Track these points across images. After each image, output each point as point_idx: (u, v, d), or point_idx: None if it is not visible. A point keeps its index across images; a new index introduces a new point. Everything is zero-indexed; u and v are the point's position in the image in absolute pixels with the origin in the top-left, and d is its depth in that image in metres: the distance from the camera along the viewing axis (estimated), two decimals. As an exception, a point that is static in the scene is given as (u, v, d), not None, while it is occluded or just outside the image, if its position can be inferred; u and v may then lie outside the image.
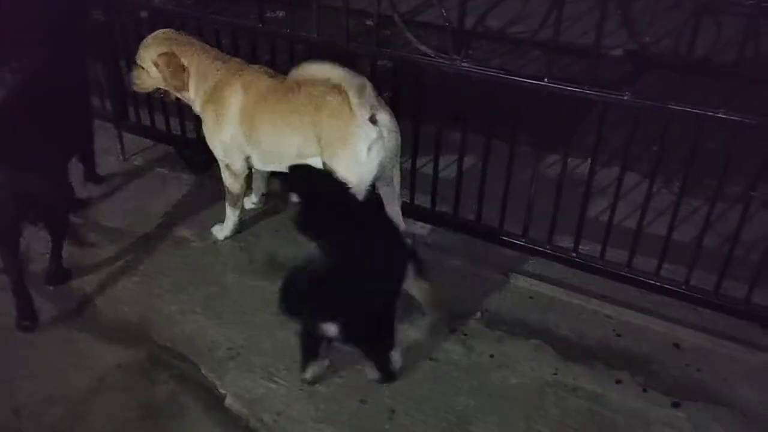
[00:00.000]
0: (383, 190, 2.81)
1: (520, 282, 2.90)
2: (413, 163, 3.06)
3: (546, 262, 2.94)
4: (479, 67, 2.64)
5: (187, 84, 2.89)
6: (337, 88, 2.57)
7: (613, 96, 2.49)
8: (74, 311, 2.74)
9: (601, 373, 2.49)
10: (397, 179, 2.81)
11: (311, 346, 2.36)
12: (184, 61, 2.84)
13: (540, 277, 2.91)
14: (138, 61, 2.93)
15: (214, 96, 2.82)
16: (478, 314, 2.75)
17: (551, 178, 2.96)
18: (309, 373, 2.41)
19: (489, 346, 2.61)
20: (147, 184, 3.51)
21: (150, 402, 2.37)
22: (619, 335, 2.66)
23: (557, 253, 2.88)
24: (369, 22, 3.44)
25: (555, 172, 2.93)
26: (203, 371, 2.48)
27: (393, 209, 2.86)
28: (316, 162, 2.67)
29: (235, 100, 2.77)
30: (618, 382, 2.46)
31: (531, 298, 2.83)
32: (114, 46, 3.57)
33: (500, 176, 2.87)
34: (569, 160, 2.77)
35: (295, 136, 2.70)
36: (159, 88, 3.02)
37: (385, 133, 2.56)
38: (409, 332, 2.64)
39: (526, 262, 2.99)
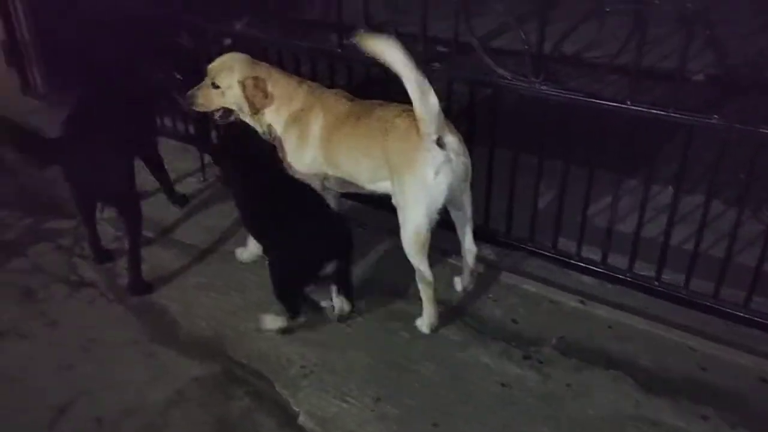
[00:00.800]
0: (454, 214, 2.79)
1: (598, 310, 2.81)
2: (488, 187, 3.04)
3: (626, 290, 2.84)
4: (559, 90, 2.61)
5: (265, 108, 2.95)
6: (406, 112, 2.59)
7: (700, 119, 2.40)
8: (155, 325, 2.83)
9: (686, 408, 2.37)
10: (468, 203, 2.77)
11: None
12: (269, 86, 2.93)
13: (620, 306, 2.81)
14: (212, 81, 2.97)
15: (298, 119, 2.89)
16: (554, 341, 2.68)
17: (631, 205, 2.88)
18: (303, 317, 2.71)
19: (565, 374, 2.53)
20: (225, 204, 3.62)
21: (225, 417, 2.40)
22: (704, 369, 2.52)
23: (638, 282, 2.78)
24: (441, 48, 3.49)
25: (635, 198, 2.85)
26: (277, 388, 2.51)
27: (464, 233, 2.83)
28: (388, 186, 2.69)
29: (316, 123, 2.83)
30: (704, 418, 2.33)
31: (610, 327, 2.73)
32: (199, 71, 3.72)
33: (577, 201, 2.81)
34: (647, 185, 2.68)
35: (367, 160, 2.73)
36: (224, 109, 3.03)
37: (452, 157, 2.52)
38: (481, 357, 2.60)
39: (604, 290, 2.89)
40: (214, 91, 2.98)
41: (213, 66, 3.00)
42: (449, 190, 2.56)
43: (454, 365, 2.58)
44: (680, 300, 2.71)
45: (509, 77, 2.70)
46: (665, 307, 2.77)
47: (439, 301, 2.74)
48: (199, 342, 2.73)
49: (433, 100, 2.41)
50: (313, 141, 2.85)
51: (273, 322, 2.73)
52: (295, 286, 2.68)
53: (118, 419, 2.39)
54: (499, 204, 3.05)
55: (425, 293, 2.69)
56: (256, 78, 2.89)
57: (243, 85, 2.89)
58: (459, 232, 2.83)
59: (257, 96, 2.89)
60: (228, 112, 3.04)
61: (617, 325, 2.74)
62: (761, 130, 2.30)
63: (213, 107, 3.04)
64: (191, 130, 3.98)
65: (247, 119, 3.01)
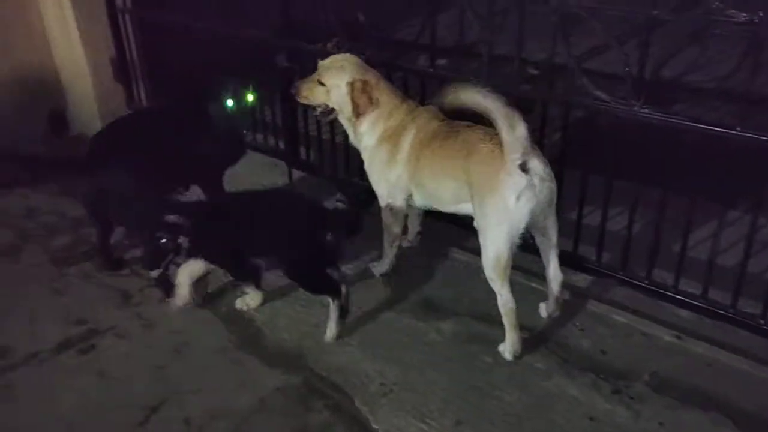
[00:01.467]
0: (539, 239, 2.72)
1: (696, 347, 2.65)
2: (579, 212, 2.95)
3: (727, 327, 2.67)
4: (661, 114, 2.50)
5: (366, 114, 2.94)
6: (490, 135, 2.56)
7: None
8: (241, 333, 2.90)
9: (795, 459, 2.19)
10: (553, 229, 2.69)
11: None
12: (377, 94, 2.94)
13: (720, 344, 2.64)
14: (320, 77, 2.98)
15: (392, 136, 2.91)
16: (646, 376, 2.54)
17: (735, 237, 2.71)
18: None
19: (658, 412, 2.39)
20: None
21: (305, 428, 2.42)
22: (815, 418, 2.33)
23: (742, 319, 2.61)
24: (532, 71, 3.44)
25: (738, 230, 2.68)
26: (356, 404, 2.51)
27: (549, 258, 2.75)
28: (470, 208, 2.66)
29: (407, 141, 2.85)
30: (816, 471, 2.14)
31: (708, 365, 2.57)
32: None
33: (675, 230, 2.68)
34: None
35: (450, 181, 2.72)
36: (326, 106, 3.05)
37: (536, 182, 2.46)
38: (567, 388, 2.51)
39: (703, 325, 2.73)
40: (320, 87, 3.00)
41: (323, 63, 3.01)
42: (531, 215, 2.50)
43: (539, 394, 2.50)
44: (789, 341, 2.52)
45: (607, 99, 2.62)
46: (772, 349, 2.58)
47: (523, 327, 2.67)
48: (282, 352, 2.78)
49: (521, 128, 2.39)
50: (401, 159, 2.87)
51: (252, 299, 3.00)
52: (320, 272, 2.76)
53: (205, 422, 2.45)
54: (590, 230, 2.95)
55: (507, 318, 2.63)
56: (365, 82, 2.91)
57: (351, 86, 2.90)
58: (544, 257, 2.76)
59: (363, 99, 2.90)
60: (329, 110, 3.06)
61: (717, 364, 2.57)
62: None
63: (316, 102, 3.05)
64: (281, 145, 4.10)
65: (344, 121, 3.06)
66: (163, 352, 2.79)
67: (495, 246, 2.53)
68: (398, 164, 2.89)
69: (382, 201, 3.05)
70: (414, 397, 2.51)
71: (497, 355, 2.67)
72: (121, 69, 4.80)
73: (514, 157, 2.43)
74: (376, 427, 2.41)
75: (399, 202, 2.99)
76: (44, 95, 4.74)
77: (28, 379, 2.66)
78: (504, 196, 2.46)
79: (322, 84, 2.98)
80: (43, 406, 2.53)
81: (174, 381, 2.64)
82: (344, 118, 3.03)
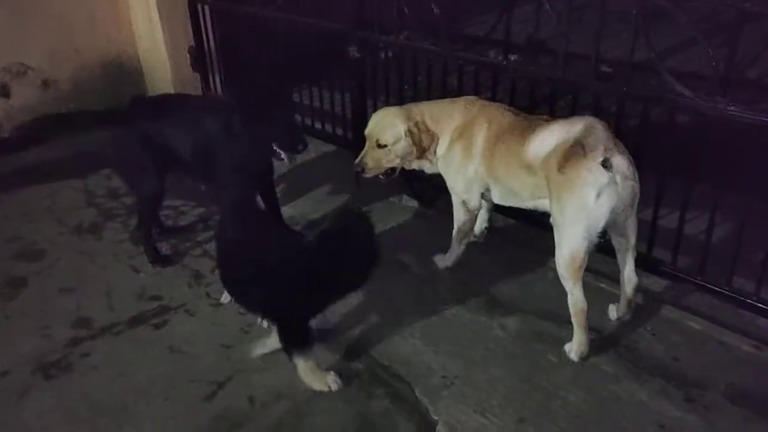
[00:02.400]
0: (616, 240, 2.64)
1: (777, 358, 2.52)
2: (655, 213, 2.85)
3: (811, 339, 2.53)
4: (752, 112, 2.38)
5: (431, 147, 2.97)
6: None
7: None
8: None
9: None
10: (632, 229, 2.60)
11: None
12: (430, 125, 2.95)
13: (803, 357, 2.50)
14: (378, 141, 2.99)
15: (463, 133, 2.90)
16: (722, 386, 2.43)
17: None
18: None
19: (734, 424, 2.29)
20: (376, 210, 3.71)
21: (366, 414, 2.44)
22: None
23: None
24: (605, 69, 3.34)
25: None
26: (417, 394, 2.50)
27: (625, 260, 2.66)
28: (548, 204, 2.61)
29: (480, 135, 2.83)
30: None
31: (790, 378, 2.44)
32: (363, 80, 3.87)
33: (759, 236, 2.55)
34: None
35: (529, 177, 2.67)
36: (389, 170, 3.06)
37: (618, 180, 2.38)
38: (636, 393, 2.43)
39: (786, 336, 2.60)
40: (381, 150, 3.00)
41: (371, 128, 3.05)
42: (611, 214, 2.43)
43: (605, 397, 2.43)
44: None
45: (691, 96, 2.51)
46: None
47: (591, 328, 2.60)
48: (347, 340, 2.80)
49: (599, 126, 2.37)
50: (476, 152, 2.84)
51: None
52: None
53: (268, 401, 2.51)
54: (666, 232, 2.84)
55: (577, 318, 2.57)
56: (416, 122, 2.94)
57: (411, 133, 2.93)
58: (619, 258, 2.67)
59: (425, 138, 2.94)
60: (392, 170, 3.09)
61: (800, 378, 2.44)
62: None
63: (384, 168, 3.05)
64: (349, 135, 4.13)
65: (415, 165, 3.09)
66: (230, 331, 2.86)
67: (570, 244, 2.47)
68: (474, 158, 2.86)
69: (458, 197, 3.03)
70: (475, 392, 2.49)
71: (562, 355, 2.62)
72: (199, 58, 4.95)
73: (596, 152, 2.36)
74: (436, 417, 2.40)
75: (475, 198, 2.96)
76: (126, 82, 4.96)
77: (105, 349, 2.80)
78: (584, 194, 2.40)
79: (382, 146, 2.99)
80: (117, 376, 2.65)
81: (239, 360, 2.70)
82: (414, 162, 3.06)
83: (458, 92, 3.36)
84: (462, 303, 2.96)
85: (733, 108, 2.41)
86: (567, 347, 2.63)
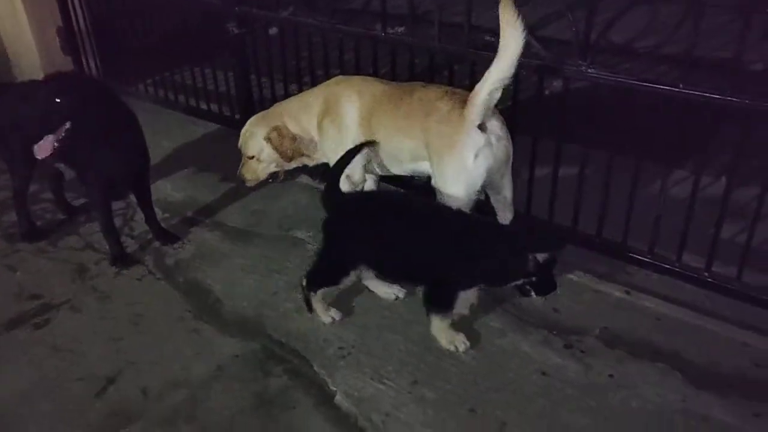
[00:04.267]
0: (494, 198, 2.77)
1: (644, 301, 2.73)
2: (531, 174, 2.99)
3: (674, 282, 2.75)
4: (608, 73, 2.54)
5: (299, 153, 3.05)
6: (449, 94, 2.59)
7: (759, 103, 2.30)
8: (199, 303, 2.89)
9: (737, 405, 2.28)
10: (508, 188, 2.75)
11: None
12: (291, 127, 3.02)
13: (667, 298, 2.72)
14: (246, 155, 3.10)
15: (329, 111, 2.91)
16: (597, 331, 2.61)
17: (680, 195, 2.78)
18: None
19: (608, 365, 2.46)
20: (270, 188, 3.65)
21: (263, 393, 2.44)
22: (758, 365, 2.42)
23: (687, 273, 2.69)
24: (488, 38, 3.43)
25: (684, 189, 2.76)
26: (315, 368, 2.53)
27: (504, 219, 2.80)
28: (428, 167, 2.68)
29: (352, 108, 2.85)
30: (757, 415, 2.24)
31: (657, 319, 2.65)
32: (245, 58, 3.78)
33: (623, 190, 2.74)
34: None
35: (408, 141, 2.73)
36: (272, 174, 3.17)
37: (493, 141, 2.52)
38: (520, 344, 2.56)
39: (651, 281, 2.81)
40: (253, 161, 3.11)
41: (240, 140, 3.14)
42: (488, 174, 2.56)
43: (493, 351, 2.55)
44: (732, 293, 2.61)
45: (555, 60, 2.64)
46: (717, 301, 2.67)
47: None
48: (241, 321, 2.78)
49: (483, 89, 2.44)
50: (352, 124, 2.86)
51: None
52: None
53: (163, 391, 2.45)
54: (543, 192, 2.99)
55: None
56: (275, 128, 3.00)
57: (270, 140, 3.00)
58: (499, 217, 2.81)
59: (285, 143, 3.00)
60: (276, 172, 3.18)
61: (665, 318, 2.65)
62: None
63: (263, 177, 3.16)
64: (236, 114, 4.03)
65: (295, 163, 3.15)
66: (119, 324, 2.77)
67: (452, 203, 2.57)
68: (350, 130, 2.88)
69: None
70: (372, 360, 2.55)
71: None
72: (69, 41, 4.65)
73: (474, 116, 2.45)
74: (334, 388, 2.44)
75: (358, 171, 2.98)
76: (-9, 70, 4.60)
77: (-20, 355, 2.63)
78: (463, 156, 2.50)
79: (252, 157, 3.09)
80: (-2, 382, 2.50)
81: (131, 352, 2.62)
82: (293, 162, 3.13)
83: (340, 67, 3.36)
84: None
85: (592, 70, 2.56)
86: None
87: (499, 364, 2.50)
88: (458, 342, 2.54)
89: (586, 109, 2.70)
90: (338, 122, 2.89)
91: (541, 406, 2.33)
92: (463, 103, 2.51)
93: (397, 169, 2.91)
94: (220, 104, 4.19)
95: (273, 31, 3.92)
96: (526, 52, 2.60)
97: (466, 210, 2.57)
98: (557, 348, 2.55)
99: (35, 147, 2.73)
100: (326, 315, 2.69)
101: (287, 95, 3.58)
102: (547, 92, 2.90)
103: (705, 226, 2.66)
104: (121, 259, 3.10)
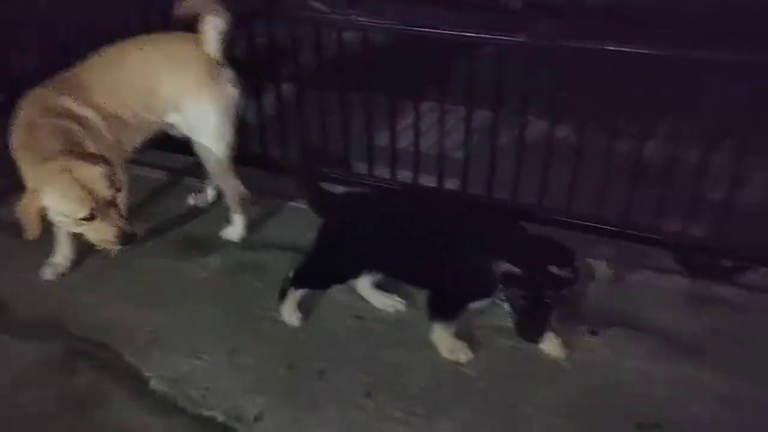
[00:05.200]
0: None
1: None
2: (369, 131, 2.99)
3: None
4: (375, 20, 2.62)
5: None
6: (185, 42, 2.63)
7: (504, 38, 2.50)
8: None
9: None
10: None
11: None
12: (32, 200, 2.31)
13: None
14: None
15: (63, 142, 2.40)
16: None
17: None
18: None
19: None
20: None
21: (70, 392, 2.30)
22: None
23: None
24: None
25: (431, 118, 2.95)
26: (125, 357, 2.42)
27: None
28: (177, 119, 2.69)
29: (86, 114, 2.52)
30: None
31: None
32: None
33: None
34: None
35: (152, 98, 2.64)
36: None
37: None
38: (335, 294, 2.60)
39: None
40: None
41: None
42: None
43: (310, 307, 2.58)
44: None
45: (327, 11, 2.67)
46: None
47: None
48: (38, 324, 2.57)
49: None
50: (97, 123, 2.55)
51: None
52: None
53: (-47, 415, 2.22)
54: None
55: (242, 204, 2.88)
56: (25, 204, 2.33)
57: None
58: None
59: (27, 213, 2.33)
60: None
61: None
62: (561, 44, 2.43)
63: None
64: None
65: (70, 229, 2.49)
66: None
67: (227, 139, 2.72)
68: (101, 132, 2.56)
69: None
70: (186, 337, 2.49)
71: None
72: None
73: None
74: (148, 374, 2.36)
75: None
76: None
77: None
78: (219, 95, 2.66)
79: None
80: None
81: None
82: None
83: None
84: (159, 254, 2.87)
85: (362, 19, 2.63)
86: (229, 232, 2.91)
87: (316, 318, 2.55)
88: (460, 352, 2.37)
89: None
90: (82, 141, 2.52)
91: (360, 347, 2.43)
92: None
93: (149, 133, 2.78)
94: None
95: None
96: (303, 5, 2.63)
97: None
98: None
99: None
100: (291, 315, 2.51)
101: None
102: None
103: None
104: None
